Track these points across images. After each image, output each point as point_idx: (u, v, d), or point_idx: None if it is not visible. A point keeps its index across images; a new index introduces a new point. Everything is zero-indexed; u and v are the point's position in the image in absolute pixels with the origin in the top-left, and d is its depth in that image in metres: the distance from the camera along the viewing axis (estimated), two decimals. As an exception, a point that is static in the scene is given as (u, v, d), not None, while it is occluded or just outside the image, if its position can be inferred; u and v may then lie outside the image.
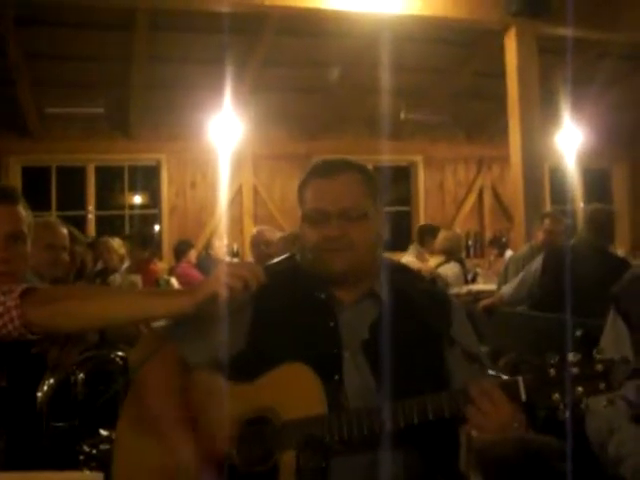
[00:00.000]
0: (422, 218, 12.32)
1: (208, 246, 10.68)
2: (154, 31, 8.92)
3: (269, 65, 9.88)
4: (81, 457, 2.40)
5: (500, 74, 8.54)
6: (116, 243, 7.75)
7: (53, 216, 9.29)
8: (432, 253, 8.16)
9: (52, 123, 10.59)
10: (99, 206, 11.53)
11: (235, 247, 10.80)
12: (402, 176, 12.80)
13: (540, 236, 6.50)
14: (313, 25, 8.94)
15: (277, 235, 6.30)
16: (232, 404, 1.91)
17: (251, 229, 9.14)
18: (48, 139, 10.68)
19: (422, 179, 12.70)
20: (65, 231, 3.65)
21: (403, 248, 8.67)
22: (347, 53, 9.86)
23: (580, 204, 13.38)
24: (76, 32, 8.87)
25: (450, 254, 7.73)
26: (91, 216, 11.38)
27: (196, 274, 8.56)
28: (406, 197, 12.88)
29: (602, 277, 4.33)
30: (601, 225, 5.63)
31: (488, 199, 12.93)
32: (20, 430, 2.30)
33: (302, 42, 9.57)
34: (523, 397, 1.75)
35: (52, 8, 8.31)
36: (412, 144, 12.20)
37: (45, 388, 2.38)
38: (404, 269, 2.32)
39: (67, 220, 4.94)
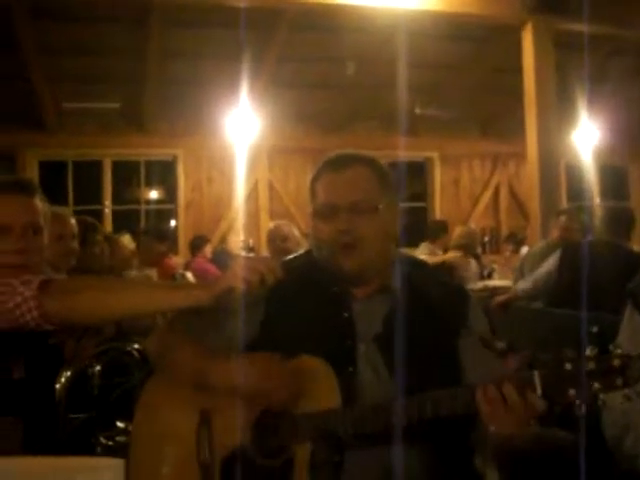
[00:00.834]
0: (438, 214, 12.30)
1: (224, 241, 10.70)
2: (170, 26, 8.94)
3: (285, 60, 9.88)
4: (98, 449, 2.41)
5: (516, 70, 8.50)
6: (126, 239, 7.77)
7: (70, 210, 9.35)
8: (445, 249, 8.15)
9: (68, 118, 10.65)
10: (115, 201, 11.57)
11: (251, 242, 10.81)
12: (417, 172, 12.77)
13: (556, 233, 6.48)
14: (329, 20, 8.92)
15: (293, 230, 6.30)
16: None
17: (267, 224, 9.16)
18: (65, 134, 10.73)
19: (438, 175, 12.68)
20: (73, 221, 3.66)
21: (419, 244, 8.66)
22: (362, 48, 9.84)
23: (596, 201, 13.32)
24: (92, 27, 8.88)
25: (466, 250, 7.73)
26: (107, 210, 11.42)
27: (212, 269, 8.58)
28: (421, 193, 12.86)
29: (618, 274, 4.33)
30: (618, 222, 5.61)
31: (504, 196, 12.90)
32: (38, 421, 2.32)
33: (318, 37, 9.56)
34: (539, 392, 1.73)
35: (68, 3, 8.34)
36: (427, 140, 12.17)
37: (62, 380, 2.40)
38: (419, 263, 2.31)
39: (84, 214, 4.95)
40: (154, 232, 7.42)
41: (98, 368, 2.58)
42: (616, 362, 1.70)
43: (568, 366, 1.72)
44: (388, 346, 1.97)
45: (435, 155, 12.61)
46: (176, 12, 8.64)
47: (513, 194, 12.89)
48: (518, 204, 12.69)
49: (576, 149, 11.58)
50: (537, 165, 8.12)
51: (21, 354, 2.32)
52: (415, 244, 8.59)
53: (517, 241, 10.66)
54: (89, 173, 11.46)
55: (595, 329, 1.76)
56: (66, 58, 9.43)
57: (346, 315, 2.03)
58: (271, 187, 11.67)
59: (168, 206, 11.82)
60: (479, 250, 8.67)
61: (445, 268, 7.24)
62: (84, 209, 10.42)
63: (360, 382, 1.95)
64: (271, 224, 7.17)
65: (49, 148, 10.94)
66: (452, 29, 9.45)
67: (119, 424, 2.46)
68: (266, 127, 10.39)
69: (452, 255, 7.77)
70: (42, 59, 9.23)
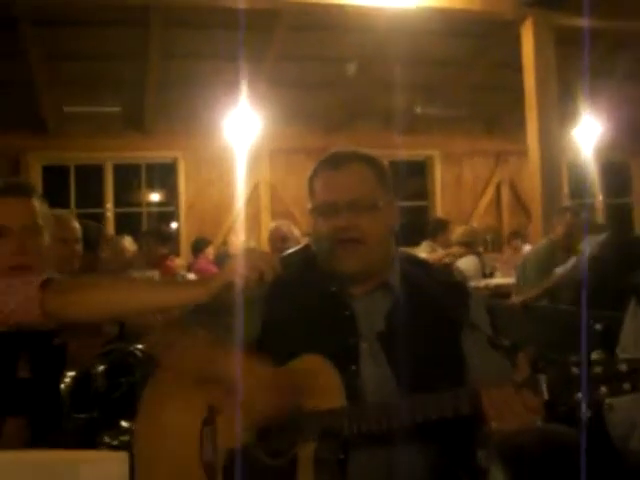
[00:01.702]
0: (439, 213, 12.29)
1: (225, 243, 10.71)
2: (169, 28, 8.96)
3: (284, 60, 9.88)
4: (102, 448, 2.42)
5: (516, 66, 8.50)
6: (127, 241, 7.78)
7: (72, 214, 9.36)
8: (446, 247, 8.13)
9: (70, 122, 10.68)
10: (117, 204, 11.61)
11: (252, 243, 10.81)
12: (419, 171, 12.77)
13: (560, 230, 6.45)
14: (328, 19, 8.93)
15: (293, 230, 6.29)
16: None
17: (268, 225, 9.16)
18: (66, 137, 10.76)
19: (439, 173, 12.67)
20: (77, 224, 3.66)
21: (420, 243, 8.65)
22: (362, 47, 9.84)
23: (599, 198, 13.31)
24: (92, 31, 8.92)
25: (468, 248, 7.72)
26: (109, 214, 11.45)
27: (214, 270, 8.58)
28: (423, 192, 12.85)
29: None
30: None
31: (506, 193, 12.88)
32: (43, 421, 2.33)
33: (317, 37, 9.57)
34: (545, 395, 1.72)
35: (68, 8, 8.36)
36: (428, 138, 12.17)
37: (67, 380, 2.41)
38: (419, 261, 2.31)
39: (86, 218, 4.95)
40: (156, 234, 7.43)
41: (102, 368, 2.59)
42: (623, 367, 1.67)
43: (575, 370, 1.70)
44: (391, 343, 1.97)
45: (436, 153, 12.60)
46: (175, 14, 8.66)
47: (515, 192, 12.88)
48: (520, 202, 12.68)
49: (578, 145, 11.56)
50: (539, 162, 8.11)
51: (26, 354, 2.34)
52: (417, 243, 8.58)
53: (522, 237, 10.61)
54: (91, 176, 11.51)
55: (599, 327, 1.74)
56: (67, 63, 9.47)
57: (347, 313, 2.03)
58: (272, 188, 11.68)
59: (169, 208, 11.85)
60: (481, 248, 8.64)
61: (445, 265, 7.23)
62: (86, 212, 10.47)
63: (363, 380, 1.95)
64: (272, 224, 7.17)
65: (51, 152, 10.97)
66: (451, 26, 9.44)
67: (123, 423, 2.47)
68: (266, 128, 10.39)
69: (455, 250, 7.76)
70: (44, 64, 9.27)
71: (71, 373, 2.43)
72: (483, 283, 7.45)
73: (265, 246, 8.70)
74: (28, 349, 2.34)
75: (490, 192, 12.88)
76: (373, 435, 1.83)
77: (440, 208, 12.52)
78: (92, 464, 1.42)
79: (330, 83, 10.75)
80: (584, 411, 1.68)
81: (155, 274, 6.00)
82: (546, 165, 8.09)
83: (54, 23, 8.74)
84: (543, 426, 2.27)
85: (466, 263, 7.56)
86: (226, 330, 1.97)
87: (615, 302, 3.12)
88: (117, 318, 2.72)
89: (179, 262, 8.76)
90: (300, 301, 2.05)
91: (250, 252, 1.92)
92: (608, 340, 1.71)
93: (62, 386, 2.41)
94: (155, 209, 12.15)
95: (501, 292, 6.92)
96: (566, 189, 11.71)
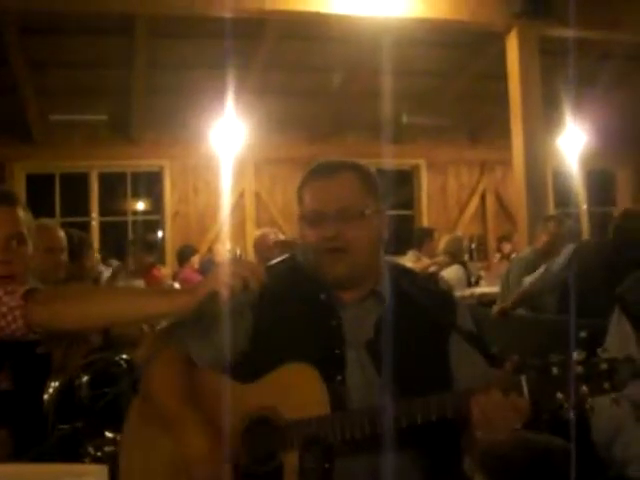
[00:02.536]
0: (425, 222, 12.32)
1: (211, 251, 10.70)
2: (155, 37, 8.96)
3: (270, 70, 9.90)
4: (86, 459, 2.40)
5: (502, 76, 8.53)
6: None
7: (57, 222, 9.34)
8: (431, 257, 8.14)
9: (55, 130, 10.64)
10: (102, 212, 11.58)
11: (238, 252, 10.80)
12: (405, 180, 12.79)
13: (543, 239, 6.47)
14: (314, 29, 8.95)
15: (281, 237, 6.30)
16: (236, 404, 1.91)
17: (253, 234, 9.15)
18: (51, 146, 10.74)
19: (425, 183, 12.71)
20: (62, 233, 3.65)
21: (406, 252, 8.66)
22: (348, 57, 9.88)
23: (584, 207, 13.36)
24: (78, 40, 8.92)
25: (453, 257, 7.74)
26: (95, 222, 11.41)
27: (199, 279, 8.55)
28: (409, 201, 12.87)
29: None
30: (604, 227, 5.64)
31: (491, 202, 12.93)
32: (26, 432, 2.31)
33: (303, 46, 9.59)
34: (526, 396, 1.73)
35: (54, 17, 8.36)
36: (414, 148, 12.20)
37: (50, 390, 2.39)
38: (406, 270, 2.32)
39: (71, 226, 4.94)
40: (142, 243, 7.41)
41: (86, 378, 2.58)
42: (604, 366, 1.70)
43: (555, 370, 1.72)
44: (379, 352, 1.97)
45: (422, 163, 12.64)
46: (161, 23, 8.65)
47: (500, 201, 12.92)
48: (505, 211, 12.72)
49: (563, 154, 11.61)
50: (524, 171, 8.13)
51: (9, 366, 2.32)
52: (402, 252, 8.59)
53: (512, 242, 10.58)
54: (76, 185, 11.47)
55: (584, 334, 1.75)
56: (53, 71, 9.45)
57: (334, 323, 2.03)
58: (257, 196, 11.69)
59: (155, 217, 11.83)
60: (466, 257, 8.67)
61: (431, 275, 7.25)
62: (71, 221, 10.40)
63: (350, 389, 1.95)
64: (257, 232, 7.16)
65: (36, 160, 10.93)
66: (437, 36, 9.49)
67: (107, 434, 2.45)
68: (252, 136, 10.40)
69: (440, 259, 7.79)
70: (29, 72, 9.24)
71: (55, 383, 2.42)
72: (468, 292, 7.47)
73: (250, 255, 8.70)
74: (10, 359, 2.32)
75: (475, 201, 12.93)
76: (358, 442, 1.83)
77: (426, 217, 12.55)
78: (71, 477, 1.41)
79: (316, 92, 10.77)
80: (565, 407, 1.69)
81: (140, 284, 5.98)
82: (531, 174, 8.11)
83: (40, 31, 8.74)
84: (526, 435, 2.28)
85: (451, 272, 7.58)
86: (214, 343, 1.98)
87: (596, 306, 3.15)
88: (102, 328, 2.71)
89: (165, 271, 8.74)
90: (287, 310, 2.05)
91: (234, 260, 1.92)
92: (592, 348, 1.72)
93: (46, 396, 2.39)
94: (140, 218, 12.11)
95: (486, 301, 6.94)
96: (551, 198, 11.75)
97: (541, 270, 5.84)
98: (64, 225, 4.40)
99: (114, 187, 11.83)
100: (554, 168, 11.81)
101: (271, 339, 2.01)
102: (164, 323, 2.14)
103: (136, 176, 11.69)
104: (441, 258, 7.84)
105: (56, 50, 9.04)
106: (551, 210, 9.78)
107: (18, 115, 9.99)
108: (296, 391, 1.89)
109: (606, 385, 1.70)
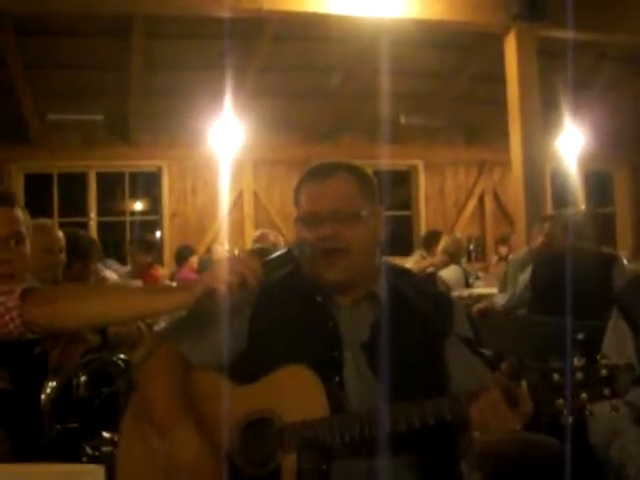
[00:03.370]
0: (423, 223, 12.32)
1: (209, 251, 10.69)
2: (152, 38, 8.95)
3: (268, 70, 9.89)
4: (84, 459, 2.40)
5: (500, 77, 8.53)
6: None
7: (55, 223, 9.34)
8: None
9: (53, 131, 10.62)
10: (100, 212, 11.55)
11: (236, 252, 10.79)
12: (403, 181, 12.77)
13: (540, 239, 6.46)
14: (311, 30, 8.94)
15: (279, 238, 6.30)
16: (233, 405, 1.91)
17: (252, 234, 9.14)
18: (49, 146, 10.71)
19: (423, 183, 12.68)
20: (60, 234, 3.65)
21: (404, 253, 8.68)
22: (346, 58, 9.87)
23: (582, 207, 13.36)
24: (75, 41, 8.90)
25: (452, 258, 7.75)
26: (93, 222, 11.39)
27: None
28: (407, 202, 12.86)
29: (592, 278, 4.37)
30: (582, 228, 5.67)
31: (489, 203, 12.91)
32: (24, 432, 2.31)
33: (301, 47, 9.58)
34: (526, 401, 1.72)
35: (51, 17, 8.34)
36: (412, 148, 12.17)
37: (48, 390, 2.39)
38: (404, 271, 2.32)
39: (69, 226, 4.94)
40: (140, 243, 7.41)
41: (84, 378, 2.58)
42: (604, 372, 1.69)
43: (556, 377, 1.71)
44: (376, 353, 1.97)
45: (420, 163, 12.62)
46: (159, 24, 8.65)
47: (498, 202, 12.90)
48: (503, 212, 12.70)
49: (561, 155, 11.62)
50: (522, 172, 8.12)
51: (7, 366, 2.32)
52: (401, 253, 8.60)
53: (509, 244, 10.60)
54: (74, 185, 11.44)
55: (581, 336, 1.75)
56: (50, 71, 9.43)
57: (331, 324, 2.03)
58: (255, 197, 11.66)
59: (153, 217, 11.81)
60: (464, 258, 8.68)
61: (428, 275, 7.26)
62: (69, 221, 10.39)
63: (348, 390, 1.95)
64: (257, 232, 7.16)
65: (34, 161, 10.92)
66: (435, 37, 9.48)
67: (105, 434, 2.45)
68: (250, 137, 10.40)
69: (437, 260, 7.81)
70: (26, 73, 9.23)
71: (52, 383, 2.41)
72: (466, 292, 7.47)
73: (249, 255, 8.67)
74: (8, 359, 2.32)
75: (473, 202, 12.90)
76: (356, 444, 1.83)
77: (424, 218, 12.53)
78: (68, 478, 1.41)
79: (314, 93, 10.76)
80: (564, 414, 1.69)
81: (138, 284, 5.98)
82: (529, 175, 8.11)
83: (37, 32, 8.72)
84: (523, 436, 2.28)
85: (449, 273, 7.59)
86: (213, 342, 1.98)
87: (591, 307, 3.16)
88: (100, 327, 2.71)
89: (163, 271, 8.74)
90: (285, 311, 2.05)
91: (232, 258, 1.92)
92: (590, 350, 1.72)
93: (43, 396, 2.39)
94: (138, 218, 12.10)
95: (485, 301, 6.93)
96: (549, 199, 11.75)
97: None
98: (62, 225, 4.39)
99: (112, 187, 11.81)
100: (552, 169, 11.82)
101: (268, 340, 2.01)
102: (162, 323, 2.14)
103: (134, 176, 11.66)
104: (438, 258, 7.85)
105: (53, 51, 9.02)
106: (549, 211, 9.78)
107: (16, 116, 9.97)
108: (294, 393, 1.89)
109: (606, 391, 1.69)
